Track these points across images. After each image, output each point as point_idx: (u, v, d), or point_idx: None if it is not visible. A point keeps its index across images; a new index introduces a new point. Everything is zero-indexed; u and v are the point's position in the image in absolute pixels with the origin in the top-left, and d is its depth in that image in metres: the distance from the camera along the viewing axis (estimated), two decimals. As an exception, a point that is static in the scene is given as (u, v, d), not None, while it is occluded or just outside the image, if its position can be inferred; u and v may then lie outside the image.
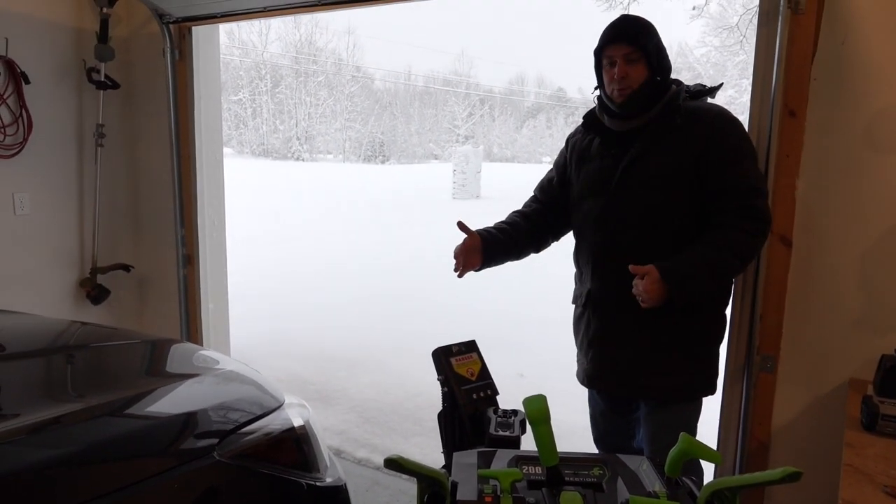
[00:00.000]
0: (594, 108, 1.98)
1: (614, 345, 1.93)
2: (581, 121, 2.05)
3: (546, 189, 2.18)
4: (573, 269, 2.10)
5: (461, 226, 2.04)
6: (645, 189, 1.84)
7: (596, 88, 1.94)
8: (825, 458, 2.05)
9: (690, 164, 1.80)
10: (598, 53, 1.87)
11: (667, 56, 1.86)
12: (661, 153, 1.83)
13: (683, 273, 1.72)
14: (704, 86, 1.94)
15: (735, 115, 1.86)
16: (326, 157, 44.97)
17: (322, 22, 47.18)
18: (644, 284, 1.72)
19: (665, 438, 1.84)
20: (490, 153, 46.34)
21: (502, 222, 2.14)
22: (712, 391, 1.94)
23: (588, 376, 2.03)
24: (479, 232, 2.06)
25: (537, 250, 2.17)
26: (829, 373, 2.09)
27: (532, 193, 2.24)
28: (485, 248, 2.03)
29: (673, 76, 1.89)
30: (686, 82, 1.93)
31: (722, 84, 2.02)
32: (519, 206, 2.24)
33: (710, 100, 1.94)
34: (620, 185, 1.88)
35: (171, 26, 3.33)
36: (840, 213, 2.03)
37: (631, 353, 1.90)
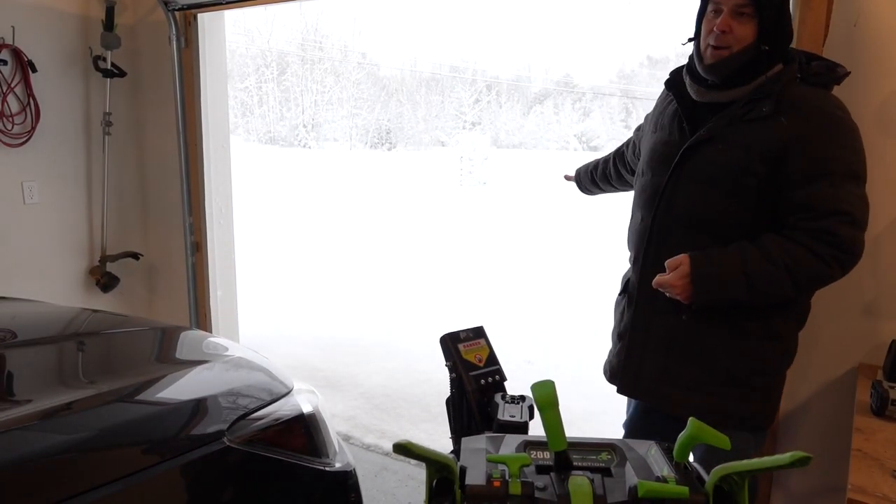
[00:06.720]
0: (684, 64, 1.67)
1: (643, 346, 1.70)
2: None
3: (623, 153, 2.07)
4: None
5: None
6: (703, 184, 1.54)
7: (690, 39, 1.60)
8: (834, 443, 2.05)
9: (764, 167, 1.47)
10: None
11: (788, 24, 1.50)
12: (733, 144, 1.50)
13: (714, 277, 1.48)
14: (828, 65, 1.55)
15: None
16: (333, 145, 44.89)
17: (327, 9, 46.98)
18: (672, 278, 1.50)
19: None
20: (497, 140, 46.05)
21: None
22: (763, 422, 1.64)
23: (611, 370, 1.82)
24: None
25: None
26: (838, 358, 2.08)
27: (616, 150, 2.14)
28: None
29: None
30: None
31: (850, 72, 1.58)
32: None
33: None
34: (678, 170, 1.58)
35: (176, 14, 3.32)
36: (851, 198, 2.00)
37: (658, 359, 1.66)
